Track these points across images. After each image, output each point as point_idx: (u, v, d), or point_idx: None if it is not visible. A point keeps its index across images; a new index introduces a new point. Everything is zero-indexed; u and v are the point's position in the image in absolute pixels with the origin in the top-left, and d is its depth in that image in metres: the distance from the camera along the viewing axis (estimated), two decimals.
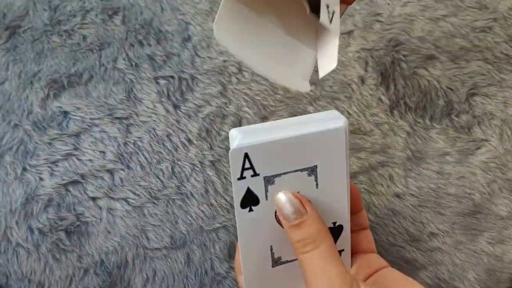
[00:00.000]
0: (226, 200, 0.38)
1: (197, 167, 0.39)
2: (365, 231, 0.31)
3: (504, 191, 0.41)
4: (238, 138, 0.26)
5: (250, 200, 0.27)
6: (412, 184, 0.40)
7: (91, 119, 0.40)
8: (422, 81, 0.44)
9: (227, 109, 0.42)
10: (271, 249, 0.28)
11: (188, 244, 0.37)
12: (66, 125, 0.40)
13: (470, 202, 0.40)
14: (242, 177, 0.26)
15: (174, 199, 0.38)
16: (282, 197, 0.27)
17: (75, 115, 0.40)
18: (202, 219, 0.38)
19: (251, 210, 0.27)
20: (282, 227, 0.27)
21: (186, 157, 0.39)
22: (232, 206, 0.38)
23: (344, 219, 0.29)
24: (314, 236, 0.26)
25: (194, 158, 0.39)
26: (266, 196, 0.27)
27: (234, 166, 0.26)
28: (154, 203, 0.37)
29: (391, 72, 0.43)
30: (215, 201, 0.38)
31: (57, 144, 0.39)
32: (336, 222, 0.29)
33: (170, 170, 0.39)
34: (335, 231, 0.29)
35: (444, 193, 0.40)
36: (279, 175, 0.27)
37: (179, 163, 0.39)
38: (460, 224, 0.39)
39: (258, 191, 0.27)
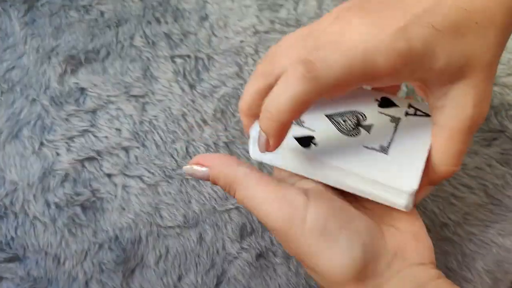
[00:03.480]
0: None
1: (211, 148, 0.40)
2: None
3: None
4: None
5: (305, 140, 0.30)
6: None
7: (108, 96, 0.41)
8: None
9: (242, 90, 0.42)
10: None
11: (200, 223, 0.38)
12: (83, 102, 0.41)
13: (483, 193, 0.41)
14: None
15: (188, 179, 0.39)
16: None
17: (91, 92, 0.41)
18: (215, 199, 0.39)
19: None
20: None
21: (200, 137, 0.40)
22: None
23: None
24: None
25: (209, 139, 0.40)
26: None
27: None
28: (168, 182, 0.39)
29: None
30: None
31: (73, 120, 0.40)
32: None
33: (185, 150, 0.40)
34: None
35: (458, 184, 0.41)
36: None
37: (194, 143, 0.40)
38: (472, 215, 0.40)
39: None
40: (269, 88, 0.27)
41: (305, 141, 0.29)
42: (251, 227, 0.39)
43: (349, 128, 0.31)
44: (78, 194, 0.38)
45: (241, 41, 0.44)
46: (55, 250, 0.36)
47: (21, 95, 0.40)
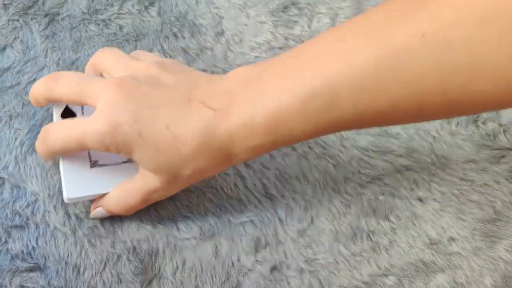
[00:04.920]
0: (254, 195, 0.41)
1: None
2: None
3: None
4: None
5: (69, 113, 0.37)
6: (436, 189, 0.42)
7: None
8: None
9: None
10: (89, 153, 0.37)
11: (216, 236, 0.39)
12: None
13: (491, 210, 0.42)
14: None
15: (204, 192, 0.40)
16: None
17: None
18: (230, 212, 0.40)
19: None
20: None
21: None
22: (259, 201, 0.41)
23: None
24: None
25: None
26: (82, 112, 0.38)
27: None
28: (186, 195, 0.40)
29: None
30: (244, 196, 0.40)
31: None
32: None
33: None
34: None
35: (466, 199, 0.42)
36: None
37: None
38: (480, 230, 0.41)
39: (76, 108, 0.37)
40: None
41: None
42: (265, 240, 0.40)
43: None
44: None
45: (256, 57, 0.45)
46: (75, 260, 0.37)
47: (42, 108, 0.41)
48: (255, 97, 0.33)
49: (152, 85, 0.35)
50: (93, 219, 0.38)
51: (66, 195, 0.36)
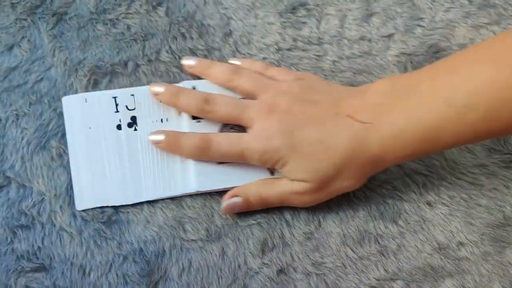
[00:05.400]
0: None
1: None
2: None
3: None
4: None
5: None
6: (444, 193, 0.42)
7: None
8: None
9: None
10: None
11: (223, 237, 0.39)
12: None
13: (500, 214, 0.42)
14: None
15: (212, 193, 0.40)
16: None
17: None
18: (237, 214, 0.40)
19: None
20: None
21: None
22: None
23: None
24: None
25: None
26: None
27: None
28: (193, 196, 0.40)
29: None
30: None
31: None
32: None
33: None
34: None
35: (475, 204, 0.42)
36: None
37: None
38: (489, 235, 0.41)
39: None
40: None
41: None
42: (272, 242, 0.39)
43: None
44: (104, 207, 0.39)
45: (264, 58, 0.45)
46: (81, 261, 0.37)
47: (49, 107, 0.41)
48: (410, 110, 0.35)
49: (299, 104, 0.38)
50: (225, 212, 0.39)
51: (195, 187, 0.39)
